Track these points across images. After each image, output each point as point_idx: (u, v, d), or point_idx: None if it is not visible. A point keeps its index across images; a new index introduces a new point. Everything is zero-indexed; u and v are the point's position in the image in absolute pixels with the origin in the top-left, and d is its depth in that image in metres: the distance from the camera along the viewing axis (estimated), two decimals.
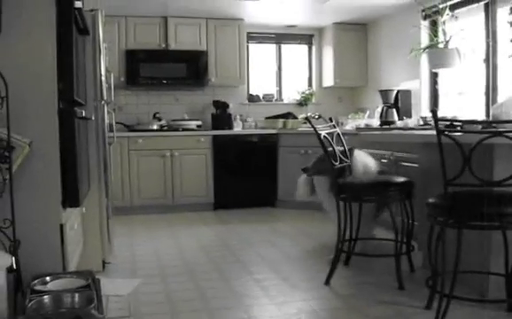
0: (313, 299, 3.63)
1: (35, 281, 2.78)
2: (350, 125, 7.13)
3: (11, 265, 2.61)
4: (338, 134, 4.41)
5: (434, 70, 6.19)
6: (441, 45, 5.76)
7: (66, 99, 3.19)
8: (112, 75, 5.01)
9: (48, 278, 2.86)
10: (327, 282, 3.93)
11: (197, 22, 7.46)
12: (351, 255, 4.36)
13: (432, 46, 5.87)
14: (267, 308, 3.47)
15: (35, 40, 3.04)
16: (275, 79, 8.51)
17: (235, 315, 3.38)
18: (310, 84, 8.55)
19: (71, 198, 3.17)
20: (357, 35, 8.03)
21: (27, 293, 2.63)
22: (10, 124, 2.79)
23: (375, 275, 4.12)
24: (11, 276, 2.63)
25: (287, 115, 7.76)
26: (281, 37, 8.41)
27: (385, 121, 6.51)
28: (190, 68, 7.42)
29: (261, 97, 8.30)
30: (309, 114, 7.61)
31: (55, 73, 3.06)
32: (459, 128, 3.16)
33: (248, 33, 8.01)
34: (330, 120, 4.60)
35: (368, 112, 7.44)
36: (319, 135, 4.01)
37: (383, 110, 6.67)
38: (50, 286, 2.77)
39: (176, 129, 7.31)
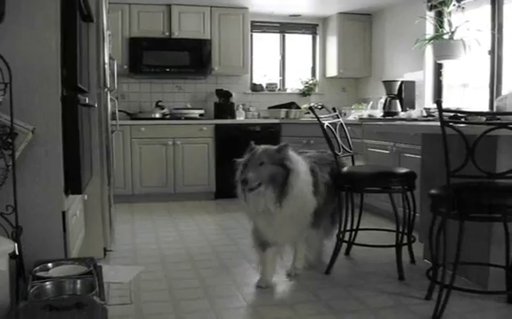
0: (313, 289, 3.64)
1: (37, 267, 2.78)
2: (353, 115, 7.12)
3: (14, 251, 2.62)
4: (341, 124, 4.41)
5: (439, 61, 6.17)
6: (446, 36, 5.74)
7: (70, 86, 3.19)
8: (115, 63, 5.00)
9: (50, 265, 2.86)
10: (327, 271, 3.94)
11: (200, 10, 7.44)
12: (351, 245, 4.37)
13: (438, 37, 5.85)
14: (267, 296, 3.48)
15: (39, 26, 3.02)
16: (279, 68, 8.49)
17: (235, 302, 3.39)
18: (313, 74, 8.53)
19: (73, 185, 3.17)
20: (361, 25, 8.01)
21: (28, 279, 2.64)
22: (13, 110, 2.79)
23: (375, 265, 4.13)
24: (13, 262, 2.64)
25: (290, 105, 7.75)
26: (285, 27, 8.39)
27: (389, 112, 6.50)
28: (193, 57, 7.40)
29: (264, 86, 8.28)
30: (312, 104, 7.61)
31: (59, 59, 3.05)
32: (463, 120, 3.15)
33: (252, 22, 7.99)
34: (334, 110, 4.60)
35: (371, 103, 7.42)
36: (322, 125, 4.01)
37: (386, 101, 6.65)
38: (51, 273, 2.77)
39: (179, 118, 7.31)
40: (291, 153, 3.56)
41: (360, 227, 4.45)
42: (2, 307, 2.48)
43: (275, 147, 3.53)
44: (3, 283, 2.52)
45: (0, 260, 2.48)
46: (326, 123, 4.08)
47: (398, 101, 6.57)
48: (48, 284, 2.59)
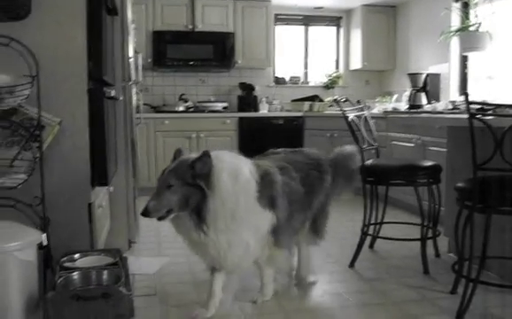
0: (337, 282, 3.63)
1: (64, 258, 2.83)
2: (377, 108, 7.07)
3: (42, 242, 2.66)
4: (366, 117, 4.38)
5: (465, 53, 6.09)
6: (473, 28, 5.67)
7: (95, 79, 3.22)
8: (140, 56, 5.03)
9: (76, 255, 2.91)
10: (351, 265, 3.93)
11: (224, 3, 7.45)
12: (376, 239, 4.35)
13: (464, 29, 5.78)
14: (291, 290, 3.48)
15: (65, 20, 3.06)
16: (302, 61, 8.46)
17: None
18: (337, 67, 8.49)
19: (99, 176, 3.20)
20: (386, 17, 7.94)
21: (56, 270, 2.68)
22: (40, 103, 2.83)
23: (399, 259, 4.11)
24: (41, 252, 2.68)
25: (313, 98, 7.72)
26: (308, 19, 8.35)
27: (414, 105, 6.44)
28: (216, 50, 7.41)
29: (288, 79, 8.26)
30: (336, 97, 7.57)
31: (85, 52, 3.09)
32: (490, 112, 3.10)
33: (275, 14, 7.98)
34: (358, 102, 4.57)
35: (395, 96, 7.36)
36: (347, 117, 3.99)
37: (411, 93, 6.60)
38: (78, 263, 2.81)
39: (202, 111, 7.33)
40: (216, 164, 2.78)
41: (384, 220, 4.43)
42: (31, 296, 2.52)
43: (191, 160, 2.77)
44: (31, 274, 2.57)
45: (28, 250, 2.52)
46: (351, 116, 4.06)
47: (423, 94, 6.51)
48: (75, 275, 2.63)
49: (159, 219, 2.76)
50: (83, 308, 2.33)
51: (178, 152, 2.96)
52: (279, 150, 3.50)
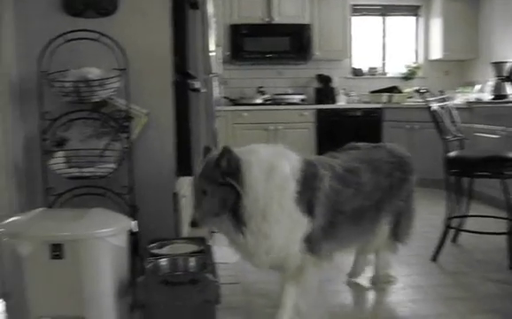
0: (419, 275, 3.59)
1: (152, 245, 2.92)
2: (459, 99, 6.86)
3: (132, 229, 2.76)
4: (449, 108, 4.27)
5: None
6: None
7: (180, 71, 3.31)
8: (220, 49, 5.11)
9: (163, 243, 2.99)
10: (434, 258, 3.86)
11: None
12: (459, 232, 4.24)
13: None
14: (372, 283, 3.46)
15: (151, 15, 3.15)
16: (380, 52, 8.33)
17: (335, 286, 3.42)
18: (416, 57, 8.30)
19: (184, 167, 3.28)
20: (467, 4, 7.65)
21: (144, 256, 2.77)
22: (129, 95, 2.94)
23: (484, 253, 4.01)
24: (130, 238, 2.78)
25: (392, 89, 7.59)
26: (386, 9, 8.21)
27: (498, 95, 6.21)
28: (293, 42, 7.42)
29: (365, 70, 8.16)
30: (416, 88, 7.42)
31: (170, 46, 3.17)
32: None
33: (352, 5, 7.88)
34: (441, 93, 4.46)
35: (479, 86, 7.11)
36: (430, 108, 3.91)
37: (495, 83, 6.36)
38: (165, 250, 2.89)
39: (280, 103, 7.37)
40: (245, 159, 2.58)
41: (468, 213, 4.31)
42: (122, 281, 2.63)
43: (214, 160, 2.56)
44: (123, 259, 2.67)
45: (120, 236, 2.62)
46: (434, 106, 3.97)
47: (508, 83, 6.26)
48: (163, 261, 2.71)
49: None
50: (172, 293, 2.40)
51: (206, 150, 2.75)
52: (359, 144, 3.24)
